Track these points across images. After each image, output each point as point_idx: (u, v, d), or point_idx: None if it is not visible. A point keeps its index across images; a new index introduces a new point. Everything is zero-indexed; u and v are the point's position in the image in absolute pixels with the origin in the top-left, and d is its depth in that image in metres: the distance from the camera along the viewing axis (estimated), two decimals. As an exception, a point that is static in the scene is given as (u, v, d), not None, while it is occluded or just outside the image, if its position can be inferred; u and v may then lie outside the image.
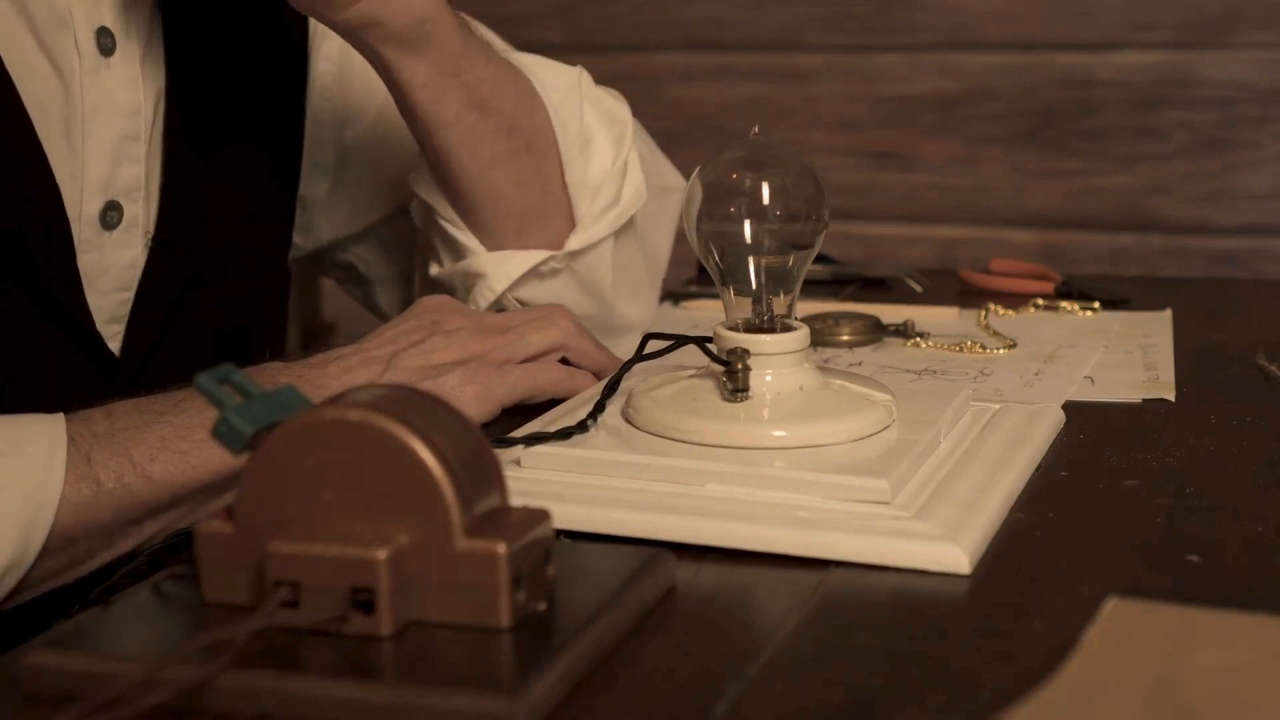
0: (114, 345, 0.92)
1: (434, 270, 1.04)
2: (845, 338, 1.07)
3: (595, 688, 0.56)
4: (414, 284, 1.13)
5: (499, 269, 1.00)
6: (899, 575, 0.66)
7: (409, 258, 1.13)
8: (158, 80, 0.93)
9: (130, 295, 0.92)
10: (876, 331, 1.08)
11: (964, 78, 1.69)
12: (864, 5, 1.71)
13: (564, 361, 0.93)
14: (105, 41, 0.89)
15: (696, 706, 0.55)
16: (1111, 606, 0.61)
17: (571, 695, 0.55)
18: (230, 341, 0.99)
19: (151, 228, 0.93)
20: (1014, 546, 0.69)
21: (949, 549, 0.67)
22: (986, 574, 0.66)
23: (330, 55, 1.06)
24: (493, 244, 1.01)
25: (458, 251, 1.02)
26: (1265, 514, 0.73)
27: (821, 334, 1.06)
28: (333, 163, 1.09)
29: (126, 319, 0.92)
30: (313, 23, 1.03)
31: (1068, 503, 0.75)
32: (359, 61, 0.99)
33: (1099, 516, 0.73)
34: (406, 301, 1.14)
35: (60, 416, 0.78)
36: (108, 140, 0.90)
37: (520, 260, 1.00)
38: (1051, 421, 0.85)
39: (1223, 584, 0.65)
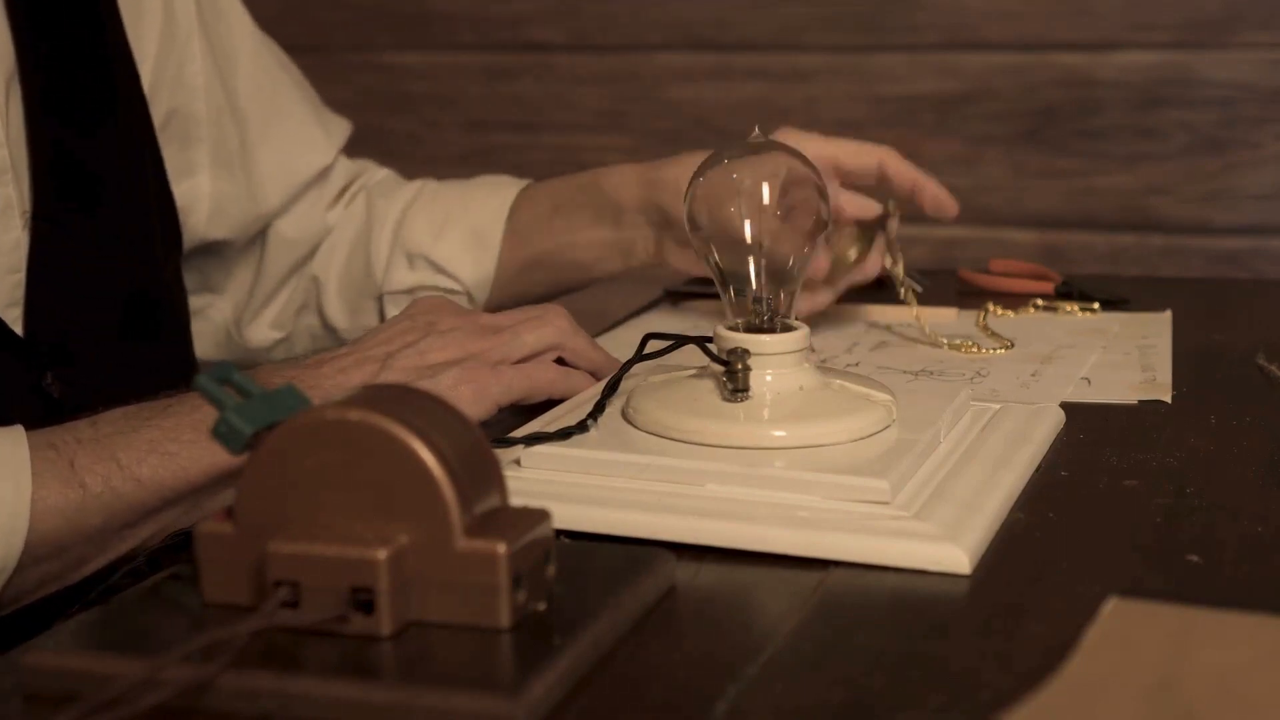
0: (18, 328, 0.91)
1: None
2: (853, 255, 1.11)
3: (595, 688, 0.56)
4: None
5: None
6: (899, 575, 0.66)
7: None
8: (8, 59, 0.92)
9: (22, 277, 0.92)
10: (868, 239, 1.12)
11: (964, 78, 1.69)
12: (864, 5, 1.71)
13: (560, 361, 0.93)
14: None
15: (696, 706, 0.55)
16: (1111, 606, 0.61)
17: (571, 695, 0.55)
18: (137, 310, 0.98)
19: (28, 207, 0.92)
20: (1014, 546, 0.69)
21: (949, 549, 0.67)
22: (986, 574, 0.66)
23: (201, 52, 1.09)
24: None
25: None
26: (1265, 514, 0.73)
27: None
28: (236, 150, 1.12)
29: (23, 301, 0.92)
30: (178, 19, 1.07)
31: (1068, 503, 0.75)
32: (219, 45, 1.06)
33: (1099, 516, 0.73)
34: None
35: (19, 428, 0.78)
36: None
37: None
38: (1051, 421, 0.85)
39: (1223, 584, 0.65)
